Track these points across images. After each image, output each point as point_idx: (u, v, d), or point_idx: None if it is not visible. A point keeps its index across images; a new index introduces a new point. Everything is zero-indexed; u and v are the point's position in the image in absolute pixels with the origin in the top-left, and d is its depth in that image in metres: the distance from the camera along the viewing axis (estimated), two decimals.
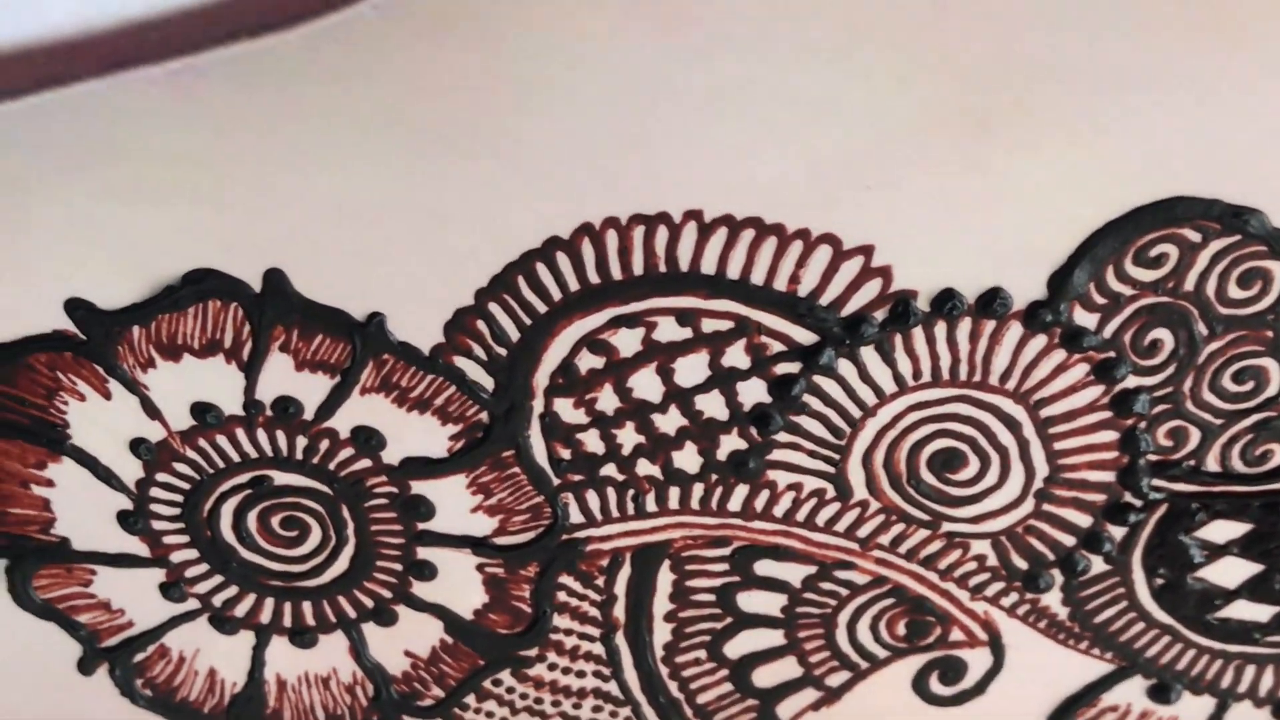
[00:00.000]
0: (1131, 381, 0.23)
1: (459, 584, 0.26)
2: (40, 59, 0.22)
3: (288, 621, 0.26)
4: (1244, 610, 0.25)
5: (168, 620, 0.26)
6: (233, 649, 0.27)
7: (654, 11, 0.21)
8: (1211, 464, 0.24)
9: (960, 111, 0.21)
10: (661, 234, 0.22)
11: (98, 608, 0.26)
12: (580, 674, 0.26)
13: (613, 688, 0.26)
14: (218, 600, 0.26)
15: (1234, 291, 0.22)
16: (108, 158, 0.22)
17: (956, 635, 0.25)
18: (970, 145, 0.21)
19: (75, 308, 0.23)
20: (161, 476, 0.25)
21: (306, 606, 0.26)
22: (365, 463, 0.24)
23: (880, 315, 0.22)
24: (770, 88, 0.21)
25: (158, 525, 0.25)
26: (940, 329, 0.23)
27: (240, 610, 0.26)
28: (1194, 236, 0.22)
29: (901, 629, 0.25)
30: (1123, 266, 0.22)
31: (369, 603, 0.26)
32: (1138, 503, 0.24)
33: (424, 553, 0.25)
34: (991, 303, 0.22)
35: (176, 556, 0.25)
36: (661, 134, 0.21)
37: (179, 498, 0.25)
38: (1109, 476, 0.24)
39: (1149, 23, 0.20)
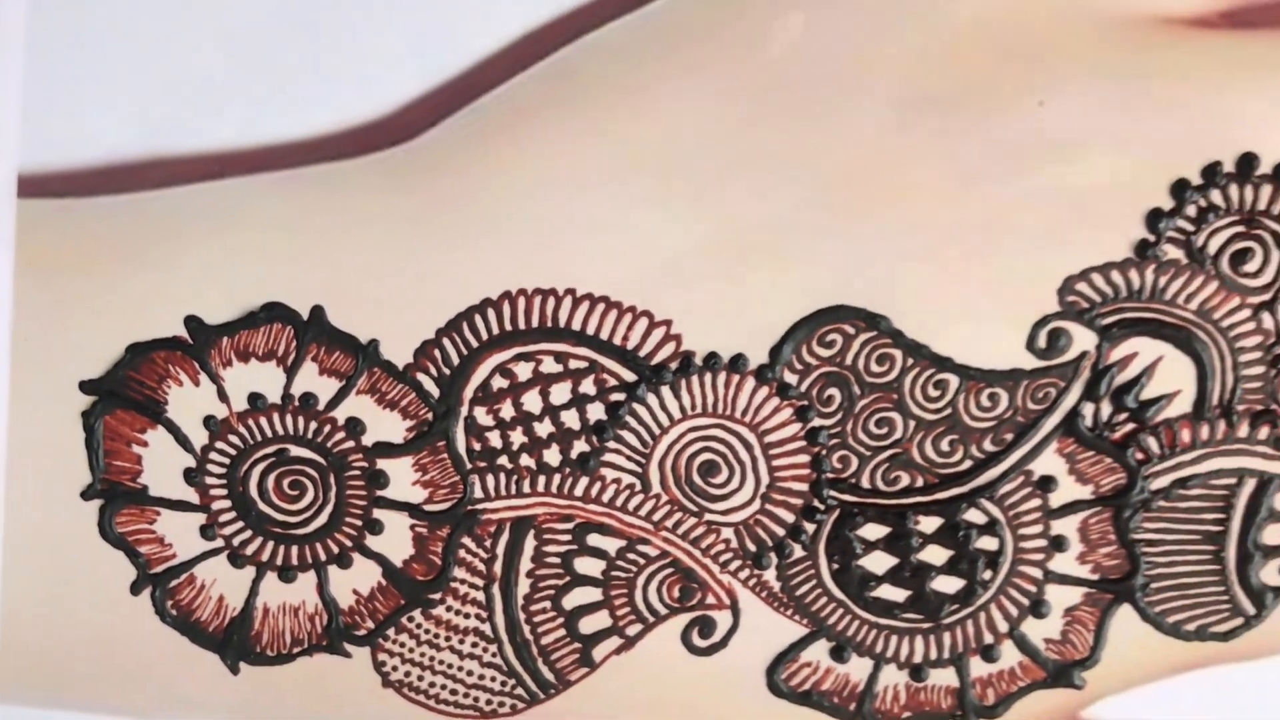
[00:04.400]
0: (817, 422, 0.34)
1: (396, 539, 0.35)
2: (206, 163, 0.37)
3: (279, 561, 0.35)
4: (889, 592, 0.34)
5: (200, 554, 0.35)
6: (237, 581, 0.35)
7: (545, 166, 0.34)
8: (865, 483, 0.34)
9: (722, 242, 0.33)
10: (550, 302, 0.34)
11: (155, 541, 0.35)
12: (466, 615, 0.35)
13: (487, 628, 0.35)
14: (236, 541, 0.35)
15: (874, 368, 0.33)
16: (232, 225, 0.34)
17: (710, 599, 0.35)
18: (728, 264, 0.33)
19: (191, 321, 0.34)
20: (219, 444, 0.34)
21: (294, 550, 0.35)
22: (350, 444, 0.34)
23: (674, 365, 0.34)
24: (612, 220, 0.33)
25: (208, 481, 0.35)
26: (708, 378, 0.34)
27: (250, 550, 0.35)
28: (850, 330, 0.33)
29: (676, 592, 0.35)
30: (811, 346, 0.33)
31: (335, 549, 0.35)
32: (821, 506, 0.34)
33: (378, 513, 0.35)
34: (738, 363, 0.33)
35: (216, 505, 0.35)
36: (554, 239, 0.33)
37: (226, 461, 0.34)
38: (804, 487, 0.34)
39: (813, 201, 0.33)
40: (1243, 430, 0.34)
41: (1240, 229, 0.34)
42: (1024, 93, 0.33)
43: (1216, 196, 0.34)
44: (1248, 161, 0.33)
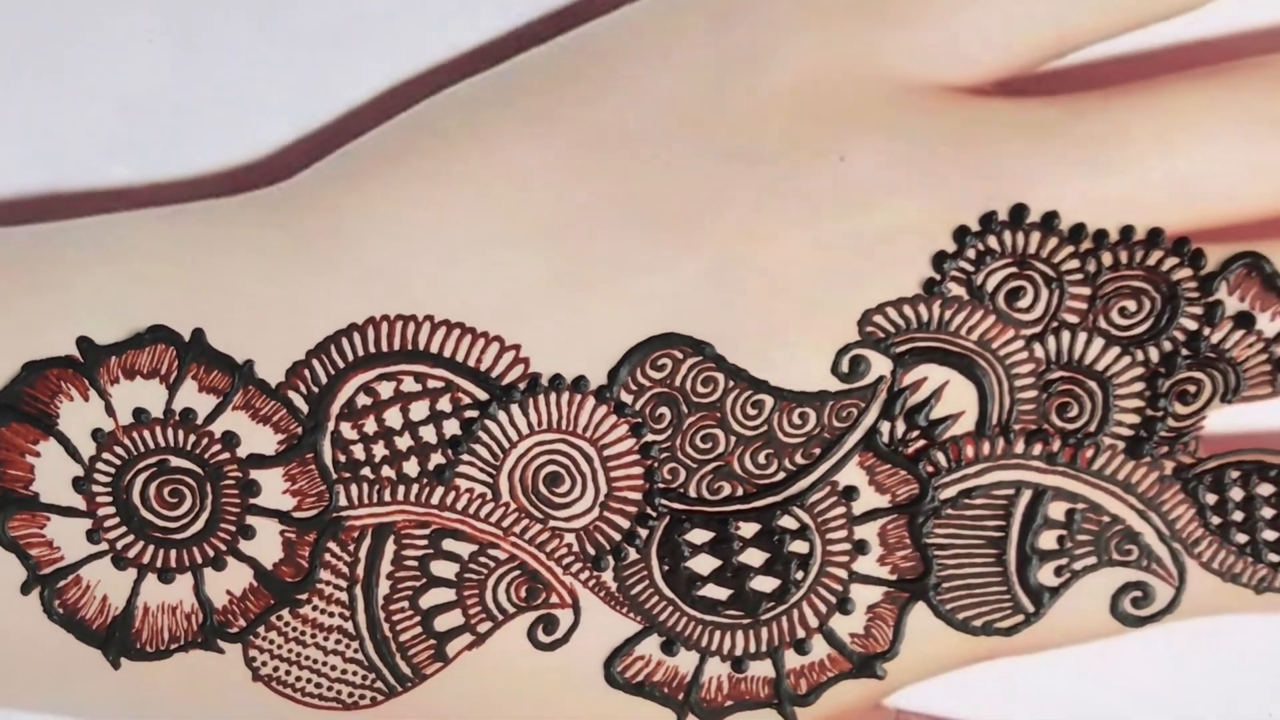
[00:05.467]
0: (650, 438, 0.36)
1: (267, 543, 0.37)
2: (99, 199, 0.41)
3: (159, 563, 0.37)
4: (713, 591, 0.37)
5: (86, 557, 0.37)
6: (120, 582, 0.37)
7: (408, 206, 0.37)
8: (692, 492, 0.36)
9: (566, 275, 0.36)
10: (411, 327, 0.36)
11: (45, 545, 0.37)
12: (330, 614, 0.37)
13: (349, 626, 0.37)
14: (120, 545, 0.36)
15: (700, 389, 0.36)
16: (122, 255, 0.37)
17: (554, 599, 0.37)
18: (571, 295, 0.36)
19: (82, 341, 0.36)
20: (105, 455, 0.36)
21: (173, 553, 0.37)
22: (226, 455, 0.36)
23: (522, 385, 0.36)
24: (468, 255, 0.36)
25: (95, 489, 0.36)
26: (553, 397, 0.36)
27: (132, 553, 0.37)
28: (679, 355, 0.36)
29: (523, 592, 0.37)
30: (645, 369, 0.36)
31: (211, 553, 0.37)
32: (654, 514, 0.36)
33: (250, 520, 0.36)
34: (579, 383, 0.36)
35: (101, 511, 0.36)
36: (415, 271, 0.36)
37: (111, 470, 0.36)
38: (639, 496, 0.37)
39: (647, 241, 0.36)
40: (1019, 447, 0.39)
41: (1014, 270, 0.38)
42: (828, 149, 0.36)
43: (993, 241, 0.38)
44: (1019, 211, 0.38)
